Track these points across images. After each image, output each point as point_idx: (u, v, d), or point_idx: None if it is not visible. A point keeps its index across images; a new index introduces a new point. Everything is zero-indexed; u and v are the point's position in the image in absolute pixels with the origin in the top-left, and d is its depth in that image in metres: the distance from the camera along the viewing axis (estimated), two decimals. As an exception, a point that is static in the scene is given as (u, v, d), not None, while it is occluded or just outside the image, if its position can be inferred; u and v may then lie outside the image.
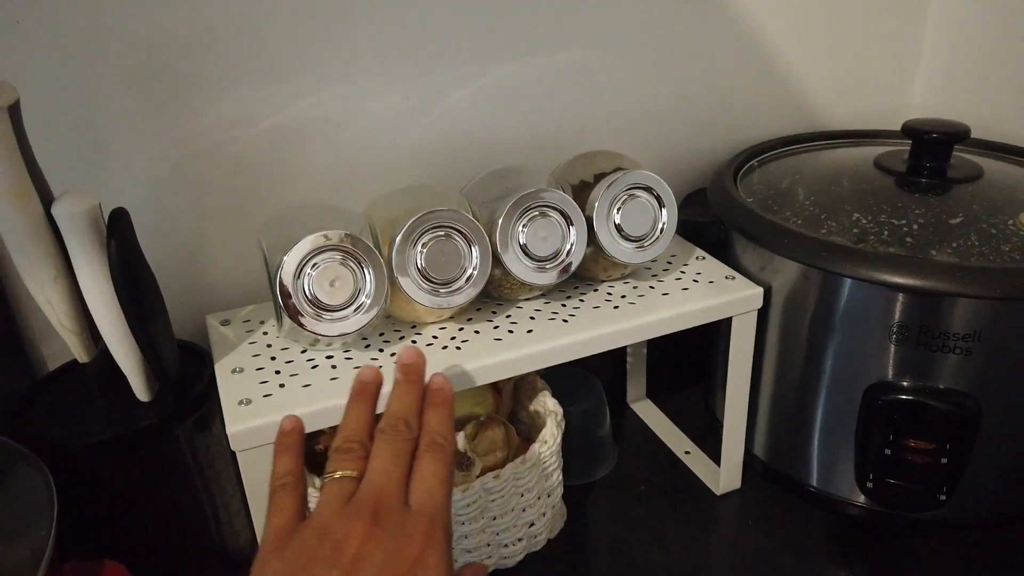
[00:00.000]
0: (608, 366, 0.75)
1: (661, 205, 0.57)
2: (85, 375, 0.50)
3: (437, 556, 0.35)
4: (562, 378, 0.66)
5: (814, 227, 0.58)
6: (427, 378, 0.43)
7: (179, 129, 0.57)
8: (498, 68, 0.65)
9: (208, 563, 0.55)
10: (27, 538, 0.40)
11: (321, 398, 0.48)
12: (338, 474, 0.38)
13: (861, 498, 0.60)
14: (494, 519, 0.56)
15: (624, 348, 0.76)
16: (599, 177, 0.58)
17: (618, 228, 0.56)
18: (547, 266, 0.54)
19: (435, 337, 0.54)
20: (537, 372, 0.64)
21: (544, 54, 0.66)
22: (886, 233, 0.57)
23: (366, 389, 0.42)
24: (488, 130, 0.67)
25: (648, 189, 0.56)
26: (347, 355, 0.53)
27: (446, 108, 0.65)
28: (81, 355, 0.49)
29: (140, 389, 0.50)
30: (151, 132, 0.57)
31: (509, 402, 0.64)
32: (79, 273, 0.45)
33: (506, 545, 0.58)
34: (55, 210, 0.44)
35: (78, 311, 0.47)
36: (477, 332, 0.55)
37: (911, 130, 0.64)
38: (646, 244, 0.57)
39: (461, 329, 0.55)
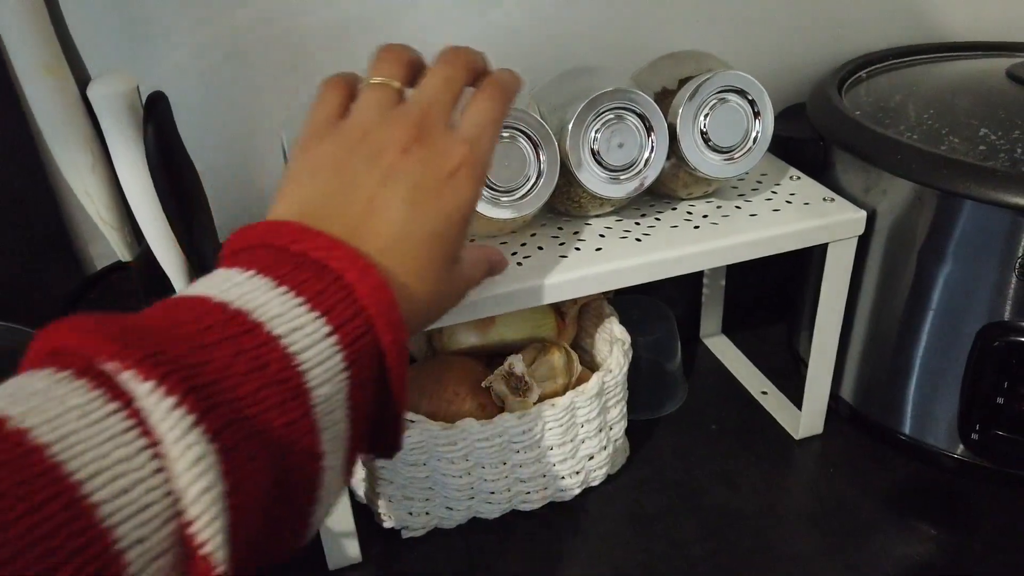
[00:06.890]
0: (682, 296, 0.70)
1: (755, 112, 0.50)
2: (130, 275, 0.48)
3: (470, 179, 0.33)
4: (631, 306, 0.61)
5: (933, 143, 0.51)
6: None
7: (232, 14, 0.53)
8: (575, -42, 0.59)
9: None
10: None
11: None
12: (378, 79, 0.35)
13: (960, 449, 0.54)
14: (551, 449, 0.53)
15: (700, 278, 0.70)
16: (684, 83, 0.52)
17: (704, 137, 0.50)
18: (621, 177, 0.49)
19: (495, 251, 0.50)
20: (605, 297, 0.60)
21: (628, -56, 0.60)
22: (1019, 150, 0.49)
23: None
24: (561, 27, 0.61)
25: (742, 93, 0.50)
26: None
27: (514, 1, 0.59)
28: (123, 253, 0.47)
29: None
30: (200, 15, 0.53)
31: (573, 328, 0.59)
32: (116, 161, 0.42)
33: (563, 477, 0.55)
34: (90, 91, 0.40)
35: (118, 204, 0.44)
36: (540, 248, 0.50)
37: (1056, 34, 0.55)
38: (736, 156, 0.50)
39: (524, 244, 0.51)
